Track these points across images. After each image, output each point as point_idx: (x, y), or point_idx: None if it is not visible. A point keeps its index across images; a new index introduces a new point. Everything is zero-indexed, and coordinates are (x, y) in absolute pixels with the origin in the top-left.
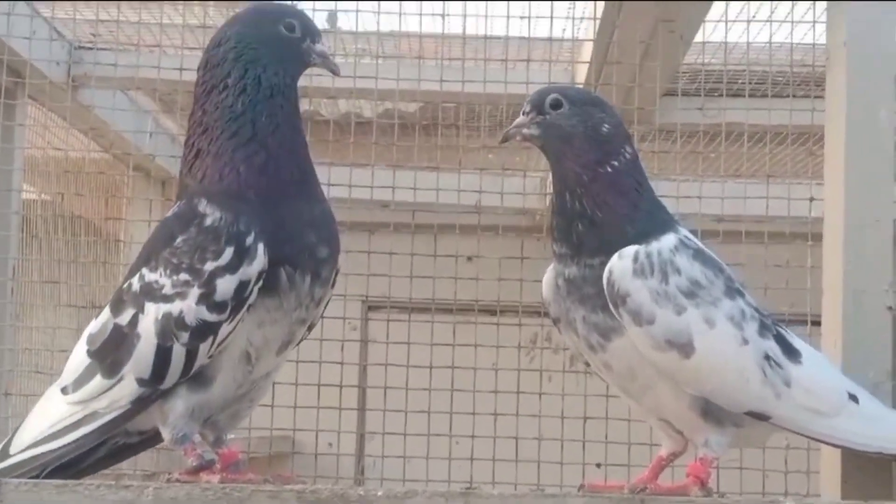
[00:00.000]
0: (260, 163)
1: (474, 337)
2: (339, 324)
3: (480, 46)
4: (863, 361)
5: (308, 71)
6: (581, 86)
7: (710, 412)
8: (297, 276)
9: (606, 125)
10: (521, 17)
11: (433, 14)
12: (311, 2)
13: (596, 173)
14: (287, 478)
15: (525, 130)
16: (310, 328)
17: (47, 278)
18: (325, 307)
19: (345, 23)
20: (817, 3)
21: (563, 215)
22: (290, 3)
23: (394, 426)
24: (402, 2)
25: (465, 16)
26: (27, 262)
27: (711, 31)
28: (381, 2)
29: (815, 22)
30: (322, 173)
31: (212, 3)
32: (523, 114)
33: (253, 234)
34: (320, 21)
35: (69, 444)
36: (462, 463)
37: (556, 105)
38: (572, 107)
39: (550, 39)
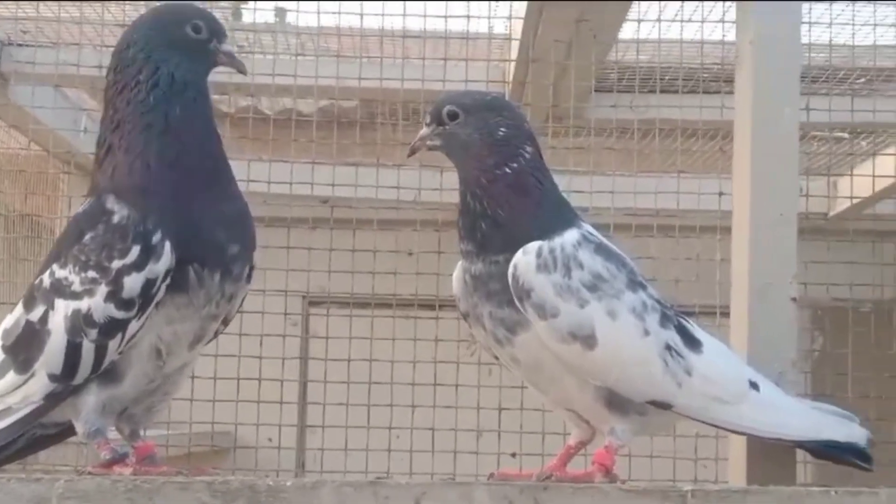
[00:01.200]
0: (172, 156)
1: (414, 331)
2: (280, 319)
3: (422, 45)
4: (768, 351)
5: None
6: (510, 83)
7: (615, 402)
8: (206, 274)
9: (503, 129)
10: (459, 17)
11: (374, 14)
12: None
13: (495, 175)
14: (202, 470)
15: (429, 142)
16: (225, 322)
17: None
18: (240, 302)
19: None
20: (727, 1)
21: (468, 215)
22: (194, 2)
23: (335, 419)
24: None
25: (404, 15)
26: None
27: (634, 29)
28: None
29: (723, 21)
30: (262, 170)
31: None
32: (425, 125)
33: (160, 233)
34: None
35: None
36: (402, 455)
37: (453, 116)
38: (468, 116)
39: (490, 37)
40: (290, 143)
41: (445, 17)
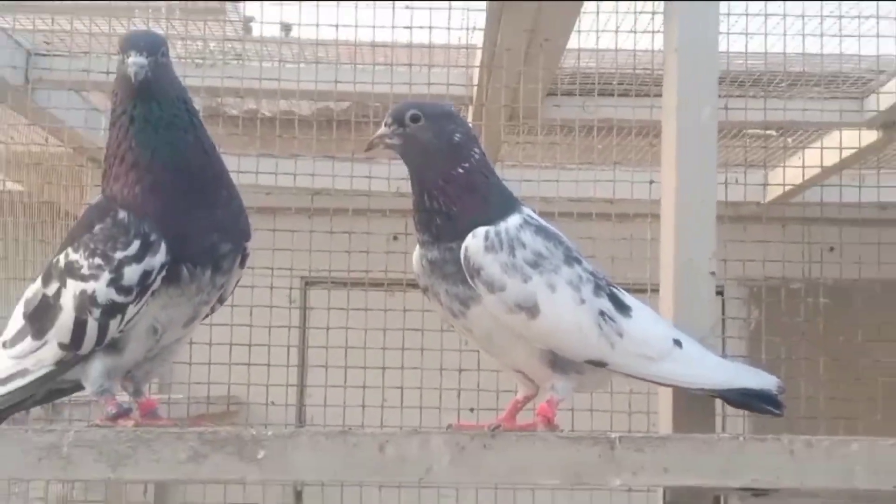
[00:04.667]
0: (149, 185)
1: (403, 304)
2: (285, 294)
3: (401, 53)
4: (691, 318)
5: (256, 73)
6: (475, 87)
7: (557, 362)
8: (198, 271)
9: (458, 134)
10: (427, 28)
11: (357, 26)
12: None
13: (450, 176)
14: (197, 423)
15: (388, 140)
16: (220, 301)
17: (14, 256)
18: (234, 285)
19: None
20: (656, 15)
21: (424, 212)
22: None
23: (334, 380)
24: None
25: (374, 27)
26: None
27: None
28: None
29: (652, 32)
30: (269, 165)
31: (137, 17)
32: (385, 125)
33: (155, 234)
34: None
35: (4, 395)
36: (393, 411)
37: (416, 119)
38: (428, 120)
39: (463, 47)
40: (292, 140)
41: (429, 27)
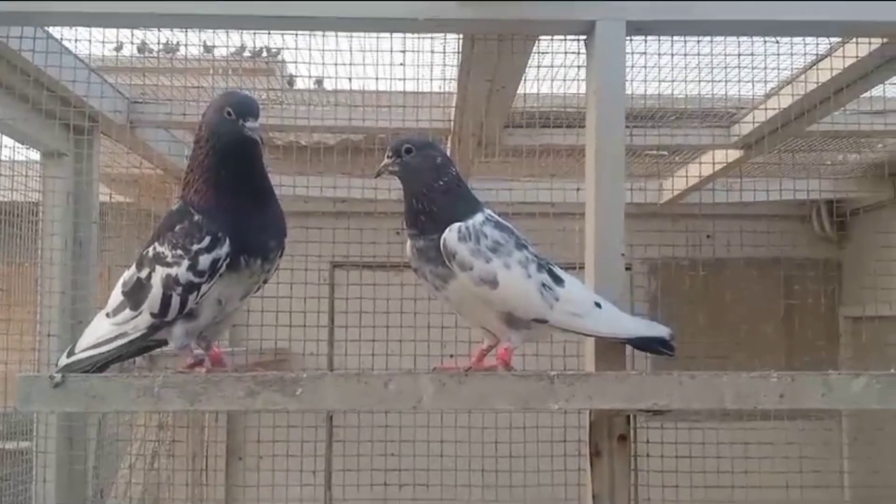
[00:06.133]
0: (219, 195)
1: (401, 281)
2: (316, 274)
3: (398, 98)
4: (606, 289)
5: (293, 114)
6: (452, 122)
7: (511, 321)
8: (252, 260)
9: (439, 158)
10: (416, 80)
11: (365, 77)
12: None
13: (432, 187)
14: (252, 369)
15: (391, 168)
16: (264, 282)
17: (118, 249)
18: (274, 271)
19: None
20: (580, 68)
21: (412, 213)
22: (243, 93)
23: (353, 336)
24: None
25: (376, 79)
26: (109, 241)
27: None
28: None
29: (579, 80)
30: (303, 181)
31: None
32: (387, 157)
33: (222, 233)
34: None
35: (110, 350)
36: (394, 357)
37: (409, 151)
38: (417, 151)
39: (432, 93)
40: (320, 163)
41: (417, 79)
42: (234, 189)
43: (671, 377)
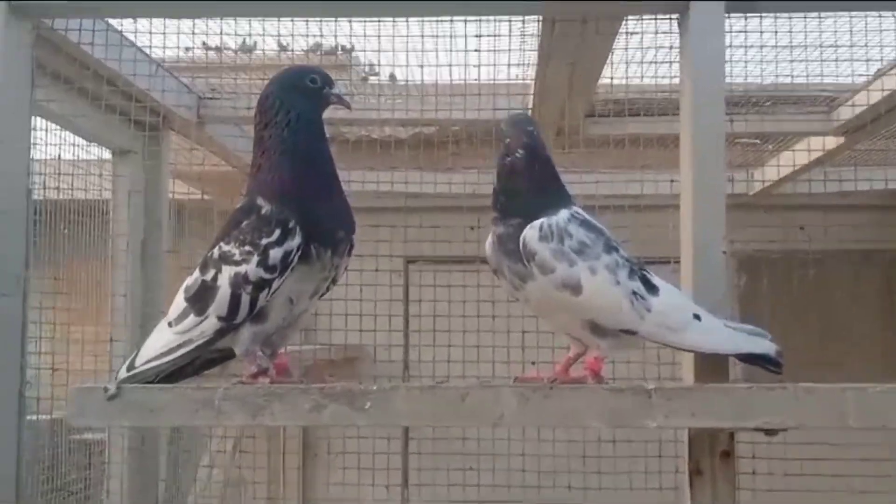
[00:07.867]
0: (299, 173)
1: (478, 280)
2: (386, 275)
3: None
4: (706, 291)
5: (364, 107)
6: (530, 111)
7: (596, 329)
8: (322, 251)
9: (507, 138)
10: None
11: (437, 66)
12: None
13: (501, 166)
14: (320, 379)
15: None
16: (333, 282)
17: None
18: (343, 269)
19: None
20: (672, 49)
21: (494, 192)
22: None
23: (426, 341)
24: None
25: (450, 66)
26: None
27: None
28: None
29: (670, 62)
30: (372, 176)
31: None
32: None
33: (293, 221)
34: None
35: (173, 359)
36: (471, 364)
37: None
38: (509, 127)
39: (509, 81)
40: (391, 157)
41: (495, 65)
42: (306, 170)
43: (785, 391)
